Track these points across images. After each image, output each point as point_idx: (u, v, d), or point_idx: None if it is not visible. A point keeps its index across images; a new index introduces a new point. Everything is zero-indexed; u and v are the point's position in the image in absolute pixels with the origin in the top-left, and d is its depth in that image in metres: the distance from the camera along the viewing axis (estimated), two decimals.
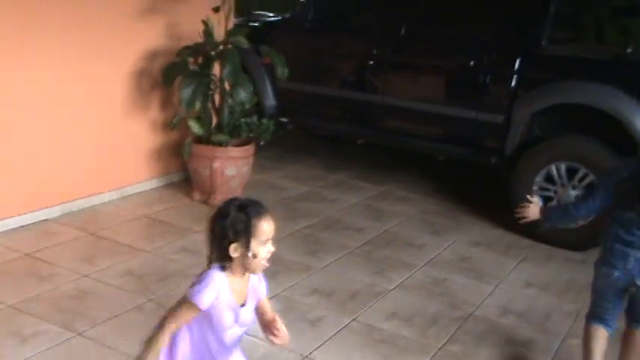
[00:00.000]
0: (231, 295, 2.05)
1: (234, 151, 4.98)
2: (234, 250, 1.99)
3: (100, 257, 3.95)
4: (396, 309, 3.62)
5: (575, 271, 4.33)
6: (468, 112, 4.91)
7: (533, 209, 3.00)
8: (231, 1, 4.99)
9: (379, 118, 5.43)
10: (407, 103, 5.21)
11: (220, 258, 2.02)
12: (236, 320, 2.07)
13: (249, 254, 1.99)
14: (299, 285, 3.82)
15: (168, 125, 5.16)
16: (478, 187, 5.94)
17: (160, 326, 2.03)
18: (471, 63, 4.86)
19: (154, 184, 5.28)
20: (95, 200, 4.81)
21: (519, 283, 4.10)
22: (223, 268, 2.03)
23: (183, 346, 2.09)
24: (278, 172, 5.94)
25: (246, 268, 2.05)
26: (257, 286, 2.16)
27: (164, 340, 2.02)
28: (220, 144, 4.97)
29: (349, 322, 3.45)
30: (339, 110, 5.69)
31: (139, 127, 5.10)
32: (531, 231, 4.68)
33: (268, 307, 2.21)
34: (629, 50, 4.38)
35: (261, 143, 5.33)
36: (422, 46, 5.22)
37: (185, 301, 2.01)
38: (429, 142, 5.23)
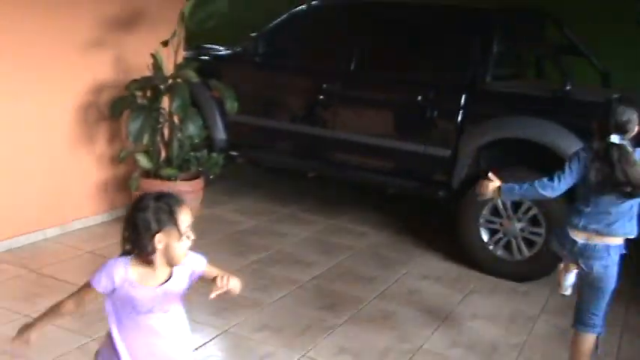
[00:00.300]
0: (141, 283, 2.05)
1: (183, 185, 4.93)
2: (158, 242, 2.00)
3: (41, 296, 3.82)
4: (345, 344, 3.61)
5: (520, 303, 4.41)
6: (417, 146, 4.99)
7: (490, 187, 3.19)
8: (181, 35, 4.99)
9: (330, 152, 5.46)
10: (357, 137, 5.27)
11: (141, 252, 2.02)
12: (159, 298, 2.07)
13: (172, 243, 2.01)
14: (248, 321, 3.77)
15: (115, 159, 5.09)
16: (427, 220, 6.02)
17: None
18: (419, 98, 4.96)
19: (99, 219, 5.17)
20: (38, 236, 4.67)
21: (467, 315, 4.14)
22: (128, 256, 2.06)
23: (120, 337, 2.09)
24: (228, 205, 5.90)
25: (170, 259, 2.05)
26: (188, 263, 2.13)
27: (52, 308, 2.11)
28: (169, 178, 4.92)
29: (299, 358, 3.42)
30: (290, 144, 5.71)
31: (84, 161, 5.01)
32: (477, 263, 4.79)
33: (214, 272, 2.19)
34: (567, 87, 4.53)
35: (211, 177, 5.30)
36: (371, 81, 5.30)
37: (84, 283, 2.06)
38: (378, 176, 5.28)
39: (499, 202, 4.69)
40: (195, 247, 4.82)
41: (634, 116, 2.93)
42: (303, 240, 5.23)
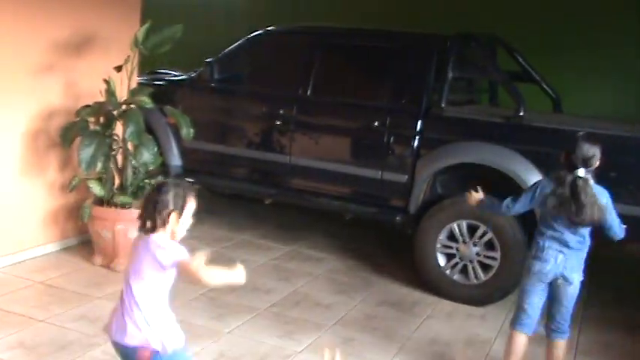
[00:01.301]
0: None
1: (137, 213, 4.82)
2: (173, 219, 2.45)
3: None
4: None
5: (477, 327, 4.43)
6: (374, 172, 5.01)
7: (474, 198, 3.70)
8: (135, 60, 4.92)
9: (286, 178, 5.44)
10: (314, 163, 5.26)
11: (160, 225, 2.45)
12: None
13: (181, 222, 2.47)
14: (205, 351, 3.68)
15: (66, 187, 4.96)
16: (385, 245, 6.03)
17: (203, 275, 2.39)
18: (376, 124, 4.99)
19: (50, 248, 5.02)
20: None
21: (425, 340, 4.14)
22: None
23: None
24: None
25: (174, 234, 2.48)
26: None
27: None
28: (123, 206, 4.81)
29: None
30: (246, 170, 5.68)
31: (34, 188, 4.87)
32: (434, 288, 4.81)
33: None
34: (521, 113, 4.62)
35: None
36: (328, 106, 5.32)
37: (186, 261, 2.40)
38: (336, 201, 5.27)
39: (455, 227, 4.73)
40: None
41: (597, 152, 3.26)
42: (261, 267, 5.17)
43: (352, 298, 4.69)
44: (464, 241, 4.73)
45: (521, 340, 3.44)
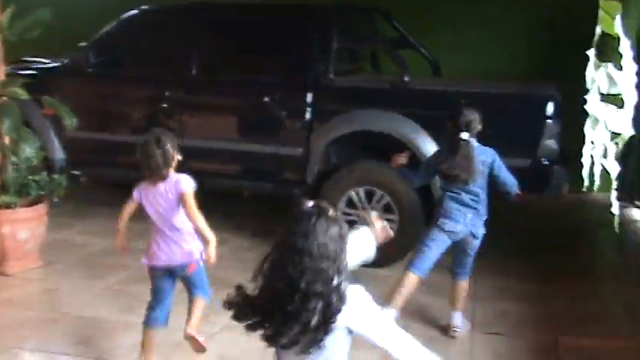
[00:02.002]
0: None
1: (24, 213, 4.58)
2: (176, 160, 3.16)
3: None
4: (223, 351, 3.57)
5: (383, 286, 4.56)
6: (268, 148, 5.03)
7: (397, 160, 3.94)
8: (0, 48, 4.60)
9: (181, 161, 5.32)
10: (206, 144, 5.19)
11: (170, 166, 3.14)
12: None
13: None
14: (120, 345, 3.59)
15: None
16: (282, 217, 6.06)
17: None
18: (266, 99, 5.00)
19: None
20: None
21: None
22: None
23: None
24: (76, 228, 5.57)
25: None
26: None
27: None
28: (8, 206, 4.54)
29: None
30: (135, 157, 5.49)
31: None
32: None
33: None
34: (406, 78, 4.79)
35: (55, 200, 4.95)
36: (215, 85, 5.25)
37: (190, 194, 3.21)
38: (232, 180, 5.25)
39: (354, 195, 4.86)
40: (48, 274, 4.55)
41: (477, 117, 3.62)
42: None
43: None
44: (363, 207, 4.87)
45: (413, 281, 3.71)
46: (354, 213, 4.88)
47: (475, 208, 3.64)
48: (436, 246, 3.69)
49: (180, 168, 5.28)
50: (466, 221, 3.62)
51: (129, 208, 3.39)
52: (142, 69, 5.45)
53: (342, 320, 1.75)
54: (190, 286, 3.32)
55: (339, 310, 1.73)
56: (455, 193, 3.63)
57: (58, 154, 5.53)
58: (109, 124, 5.53)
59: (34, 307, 4.02)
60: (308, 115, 4.96)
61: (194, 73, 5.20)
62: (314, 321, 1.70)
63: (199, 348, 3.24)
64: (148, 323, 3.26)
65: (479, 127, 3.62)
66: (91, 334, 3.66)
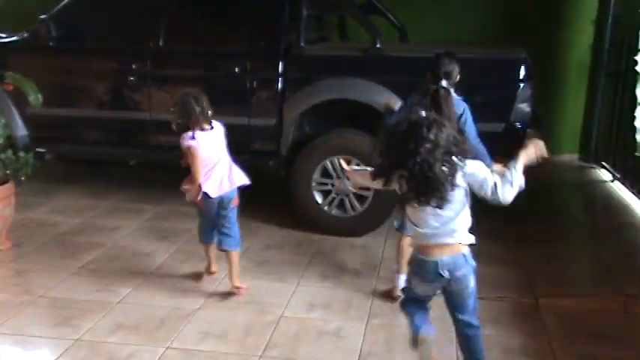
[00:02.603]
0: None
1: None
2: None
3: None
4: (207, 327, 3.51)
5: (360, 256, 4.60)
6: (241, 119, 4.93)
7: (390, 102, 4.10)
8: None
9: (149, 136, 5.21)
10: None
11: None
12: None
13: None
14: (99, 325, 3.51)
15: None
16: (261, 192, 6.00)
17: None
18: (236, 70, 4.90)
19: None
20: None
21: (316, 277, 4.23)
22: None
23: None
24: (45, 207, 5.43)
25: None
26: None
27: None
28: None
29: (164, 352, 3.27)
30: (103, 132, 5.36)
31: None
32: (315, 226, 4.91)
33: None
34: (378, 45, 4.74)
35: (22, 179, 4.80)
36: (184, 57, 5.12)
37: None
38: None
39: (329, 164, 4.82)
40: (19, 256, 4.44)
41: (457, 67, 3.75)
42: (136, 231, 4.98)
43: None
44: (338, 177, 4.84)
45: (407, 241, 3.74)
46: (330, 182, 4.86)
47: None
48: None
49: (150, 143, 5.23)
50: None
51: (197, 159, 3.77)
52: (107, 41, 5.27)
53: (461, 180, 2.57)
54: (222, 235, 3.90)
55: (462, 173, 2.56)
56: None
57: (20, 131, 5.36)
58: (74, 99, 5.36)
59: (6, 289, 3.90)
60: (280, 85, 4.87)
61: (161, 45, 5.06)
62: (446, 184, 2.48)
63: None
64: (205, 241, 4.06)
65: (458, 77, 3.73)
66: (69, 315, 3.58)
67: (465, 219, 2.67)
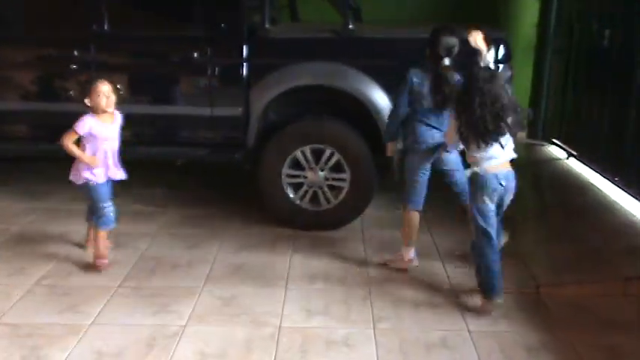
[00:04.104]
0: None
1: None
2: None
3: None
4: (203, 347, 3.13)
5: (342, 250, 4.33)
6: (202, 110, 4.51)
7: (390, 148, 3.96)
8: None
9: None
10: (130, 108, 4.51)
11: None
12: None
13: None
14: (74, 356, 3.04)
15: None
16: (218, 188, 5.59)
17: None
18: (195, 55, 4.45)
19: None
20: None
21: (303, 278, 3.91)
22: None
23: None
24: None
25: None
26: None
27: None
28: None
29: None
30: (43, 127, 4.74)
31: None
32: (289, 222, 4.59)
33: None
34: (350, 26, 4.43)
35: None
36: (134, 42, 4.59)
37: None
38: (162, 148, 4.68)
39: (299, 155, 4.50)
40: None
41: (457, 42, 3.63)
42: (86, 236, 4.46)
43: (208, 252, 4.26)
44: (310, 168, 4.52)
45: (416, 216, 3.92)
46: (302, 174, 4.53)
47: (440, 129, 3.75)
48: (421, 175, 3.83)
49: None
50: (434, 140, 3.75)
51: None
52: (44, 26, 4.64)
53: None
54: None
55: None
56: (425, 115, 3.73)
57: None
58: (6, 93, 4.72)
59: None
60: (245, 71, 4.46)
61: (107, 29, 4.50)
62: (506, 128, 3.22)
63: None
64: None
65: (456, 52, 3.65)
66: (34, 345, 3.11)
67: None
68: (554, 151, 6.76)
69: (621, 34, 5.43)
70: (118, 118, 3.93)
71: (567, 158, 6.42)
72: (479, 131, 3.21)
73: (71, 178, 3.91)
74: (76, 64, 4.54)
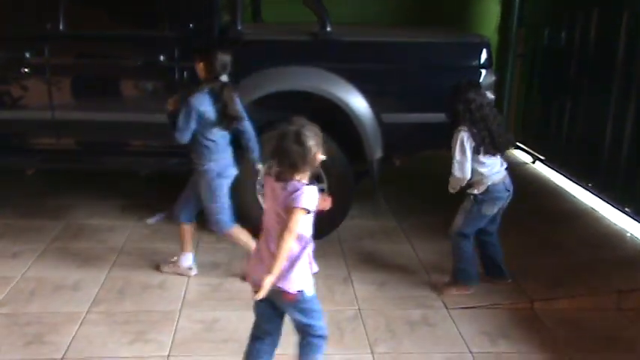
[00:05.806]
0: None
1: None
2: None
3: None
4: None
5: (322, 265, 4.06)
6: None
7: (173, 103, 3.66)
8: None
9: (52, 139, 4.29)
10: (87, 116, 4.23)
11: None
12: None
13: None
14: None
15: None
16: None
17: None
18: (161, 58, 4.14)
19: None
20: None
21: None
22: None
23: None
24: None
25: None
26: None
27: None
28: None
29: None
30: None
31: None
32: None
33: None
34: (328, 29, 4.20)
35: None
36: (94, 43, 4.24)
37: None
38: (125, 158, 4.35)
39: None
40: None
41: (229, 58, 3.58)
42: (42, 256, 4.09)
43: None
44: None
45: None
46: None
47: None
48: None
49: (53, 148, 4.27)
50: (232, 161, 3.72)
51: None
52: None
53: None
54: None
55: None
56: (213, 138, 3.59)
57: None
58: None
59: None
60: None
61: (62, 29, 4.13)
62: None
63: None
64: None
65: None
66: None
67: None
68: (519, 155, 6.71)
69: (590, 34, 5.36)
70: None
71: (533, 162, 6.38)
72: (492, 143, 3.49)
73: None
74: (27, 68, 4.15)
